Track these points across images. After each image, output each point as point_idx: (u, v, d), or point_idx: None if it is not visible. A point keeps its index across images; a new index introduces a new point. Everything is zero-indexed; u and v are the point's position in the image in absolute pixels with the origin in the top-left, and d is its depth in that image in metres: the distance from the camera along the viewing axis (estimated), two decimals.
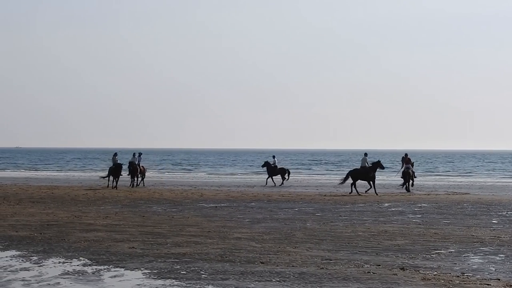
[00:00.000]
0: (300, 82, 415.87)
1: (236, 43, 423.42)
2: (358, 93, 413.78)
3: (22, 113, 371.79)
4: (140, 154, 43.37)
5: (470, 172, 79.45)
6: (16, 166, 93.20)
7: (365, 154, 38.29)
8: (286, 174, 46.50)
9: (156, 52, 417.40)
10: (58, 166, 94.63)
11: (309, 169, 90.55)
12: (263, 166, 48.65)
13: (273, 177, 46.69)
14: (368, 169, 36.97)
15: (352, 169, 38.34)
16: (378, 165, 37.35)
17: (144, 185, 42.78)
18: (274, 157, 48.17)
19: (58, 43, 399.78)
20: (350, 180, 36.96)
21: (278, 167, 47.40)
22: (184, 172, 76.61)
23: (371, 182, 36.74)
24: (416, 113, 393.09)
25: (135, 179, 42.33)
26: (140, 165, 42.93)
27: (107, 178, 41.96)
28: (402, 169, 40.18)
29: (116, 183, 40.64)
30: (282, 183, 45.63)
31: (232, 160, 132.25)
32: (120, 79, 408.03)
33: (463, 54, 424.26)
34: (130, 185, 41.84)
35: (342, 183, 37.81)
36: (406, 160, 40.12)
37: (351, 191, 36.27)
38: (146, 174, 44.82)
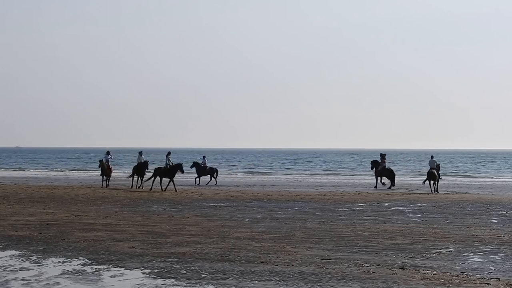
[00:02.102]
0: (302, 82, 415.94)
1: (239, 42, 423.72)
2: (360, 93, 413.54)
3: (23, 112, 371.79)
4: (108, 152, 42.88)
5: (469, 172, 79.43)
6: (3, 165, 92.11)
7: (432, 157, 41.47)
8: (215, 174, 46.58)
9: (158, 51, 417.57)
10: (43, 166, 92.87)
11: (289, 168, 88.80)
12: (192, 166, 48.12)
13: (202, 177, 46.55)
14: (436, 169, 39.93)
15: (429, 170, 40.03)
16: (438, 167, 40.74)
17: (108, 185, 41.31)
18: (204, 157, 48.07)
19: (60, 42, 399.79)
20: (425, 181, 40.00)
21: (208, 167, 47.53)
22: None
23: (436, 182, 39.42)
24: (417, 112, 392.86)
25: (107, 178, 41.44)
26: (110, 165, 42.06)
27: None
28: (379, 168, 43.42)
29: (173, 185, 37.77)
30: (215, 183, 45.46)
31: (232, 160, 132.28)
32: (123, 78, 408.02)
33: (465, 54, 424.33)
34: (105, 185, 40.95)
35: (424, 182, 40.65)
36: (382, 159, 43.67)
37: (435, 190, 38.53)
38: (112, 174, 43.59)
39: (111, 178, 42.74)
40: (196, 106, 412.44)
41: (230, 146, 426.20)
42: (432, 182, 39.01)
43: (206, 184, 45.03)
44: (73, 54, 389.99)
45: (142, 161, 40.94)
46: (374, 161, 44.76)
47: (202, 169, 46.71)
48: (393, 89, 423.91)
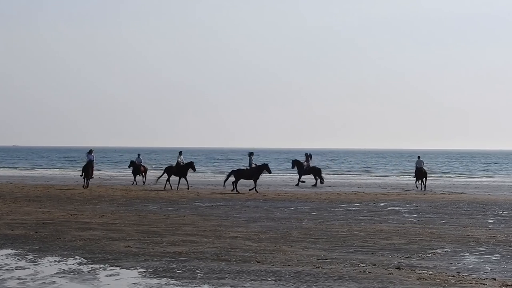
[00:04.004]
0: (300, 81, 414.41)
1: (237, 42, 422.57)
2: (358, 92, 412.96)
3: (20, 111, 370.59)
4: (90, 151, 40.95)
5: (466, 172, 79.54)
6: None
7: (419, 157, 43.73)
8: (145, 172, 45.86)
9: (157, 51, 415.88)
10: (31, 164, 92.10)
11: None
12: (129, 166, 47.16)
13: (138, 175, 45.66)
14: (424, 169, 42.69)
15: (419, 168, 42.16)
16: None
17: (88, 186, 39.32)
18: (139, 155, 47.13)
19: (58, 41, 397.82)
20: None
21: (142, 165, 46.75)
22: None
23: (425, 179, 41.94)
24: (416, 112, 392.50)
25: (89, 178, 39.69)
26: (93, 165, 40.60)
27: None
28: (305, 167, 44.66)
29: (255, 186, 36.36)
30: (144, 183, 44.30)
31: (230, 159, 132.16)
32: (121, 78, 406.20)
33: (464, 54, 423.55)
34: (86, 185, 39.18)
35: (418, 181, 42.21)
36: (306, 158, 45.10)
37: (424, 188, 40.88)
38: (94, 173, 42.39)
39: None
40: (194, 106, 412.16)
41: (228, 145, 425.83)
42: (420, 180, 41.41)
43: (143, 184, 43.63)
44: (72, 53, 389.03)
45: (183, 161, 40.30)
46: (295, 160, 45.83)
47: (138, 168, 45.94)
48: (391, 89, 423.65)
